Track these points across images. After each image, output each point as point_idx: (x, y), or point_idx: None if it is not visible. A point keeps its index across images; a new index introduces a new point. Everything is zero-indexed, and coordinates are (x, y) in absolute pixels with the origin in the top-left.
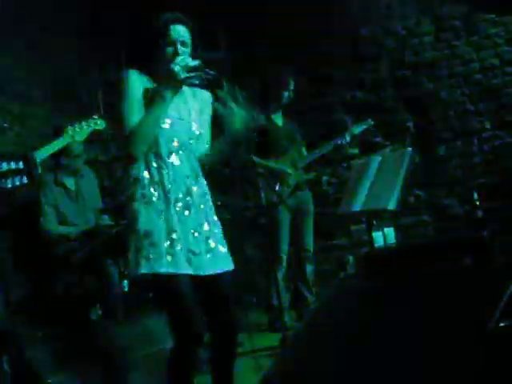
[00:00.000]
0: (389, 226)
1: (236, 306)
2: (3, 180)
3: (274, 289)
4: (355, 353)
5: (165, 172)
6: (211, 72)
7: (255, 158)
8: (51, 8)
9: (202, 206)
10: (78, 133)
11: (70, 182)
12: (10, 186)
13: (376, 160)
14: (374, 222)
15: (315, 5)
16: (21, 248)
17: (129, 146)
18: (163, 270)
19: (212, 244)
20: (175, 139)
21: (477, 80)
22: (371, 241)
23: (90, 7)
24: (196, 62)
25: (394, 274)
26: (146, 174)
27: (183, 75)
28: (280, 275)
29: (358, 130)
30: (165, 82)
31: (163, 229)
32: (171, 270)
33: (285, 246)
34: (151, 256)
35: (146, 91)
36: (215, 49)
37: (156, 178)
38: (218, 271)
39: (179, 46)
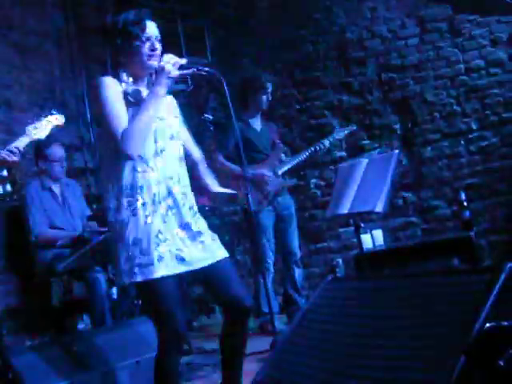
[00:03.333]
0: (377, 228)
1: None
2: None
3: (263, 294)
4: (343, 354)
5: (150, 175)
6: (205, 68)
7: (230, 165)
8: (37, 12)
9: (184, 205)
10: (39, 130)
11: (56, 188)
12: None
13: (363, 162)
14: (362, 225)
15: (301, 9)
16: (7, 256)
17: (125, 146)
18: (157, 276)
19: (201, 239)
20: (159, 140)
21: (462, 81)
22: (360, 243)
23: (77, 11)
24: (184, 60)
25: (383, 276)
26: (128, 181)
27: (175, 72)
28: (268, 280)
29: (340, 134)
30: (158, 79)
31: (151, 234)
32: (164, 274)
33: (270, 251)
34: (143, 263)
35: (123, 93)
36: (201, 54)
37: (141, 183)
38: (212, 262)
39: (156, 42)
